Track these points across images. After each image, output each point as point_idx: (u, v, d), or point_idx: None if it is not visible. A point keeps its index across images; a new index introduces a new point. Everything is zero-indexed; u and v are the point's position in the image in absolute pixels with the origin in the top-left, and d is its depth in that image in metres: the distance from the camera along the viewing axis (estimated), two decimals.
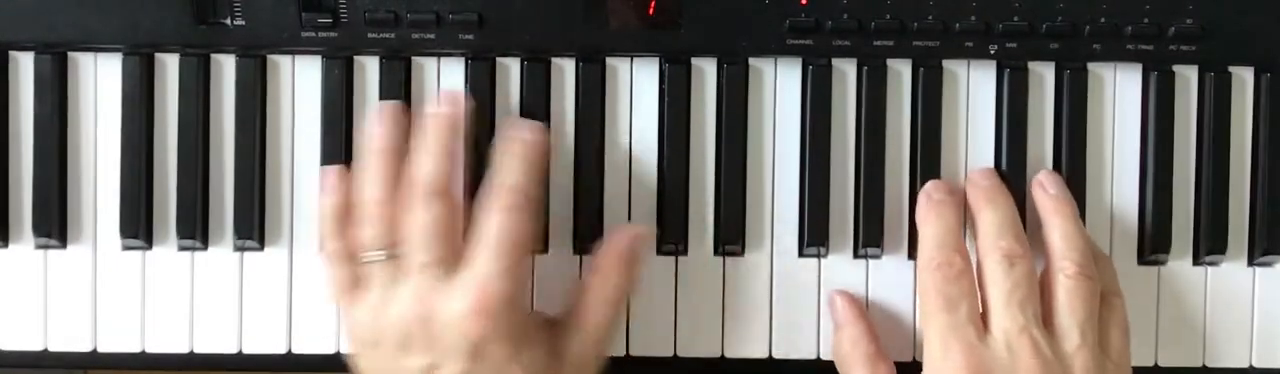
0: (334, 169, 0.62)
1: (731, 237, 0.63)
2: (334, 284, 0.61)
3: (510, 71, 0.64)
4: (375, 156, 0.60)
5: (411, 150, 0.60)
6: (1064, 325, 0.59)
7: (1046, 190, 0.62)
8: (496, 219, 0.58)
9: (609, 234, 0.62)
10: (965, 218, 0.62)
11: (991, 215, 0.61)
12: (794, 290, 0.64)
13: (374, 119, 0.61)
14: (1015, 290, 0.59)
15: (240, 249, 0.64)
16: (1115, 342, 0.60)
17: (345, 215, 0.61)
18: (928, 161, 0.63)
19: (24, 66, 0.63)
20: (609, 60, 0.64)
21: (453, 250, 0.58)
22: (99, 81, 0.63)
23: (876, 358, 0.61)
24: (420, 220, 0.58)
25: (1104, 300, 0.61)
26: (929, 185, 0.62)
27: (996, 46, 0.63)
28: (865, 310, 0.63)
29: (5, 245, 0.64)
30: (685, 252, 0.64)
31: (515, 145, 0.60)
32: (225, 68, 0.63)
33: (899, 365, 0.62)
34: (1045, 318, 0.59)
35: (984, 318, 0.59)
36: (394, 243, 0.59)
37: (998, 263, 0.59)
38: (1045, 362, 0.57)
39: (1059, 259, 0.60)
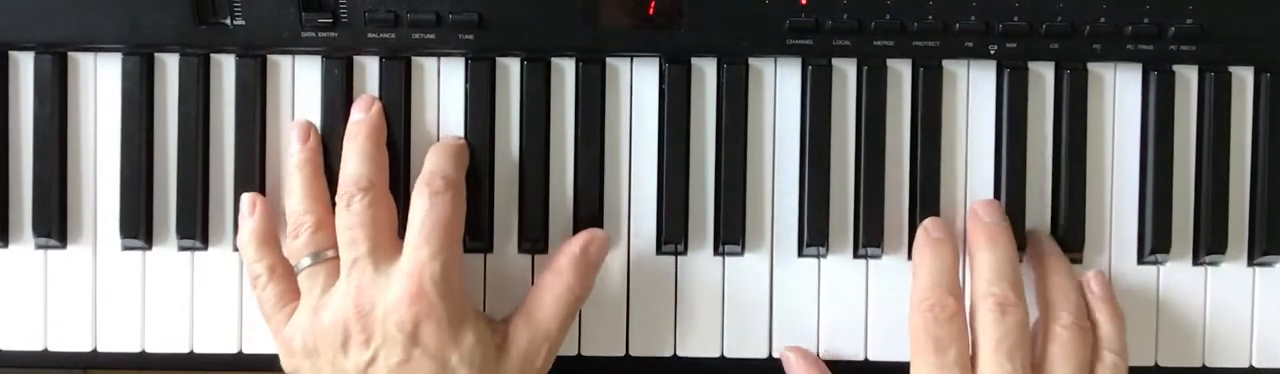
0: (251, 195, 0.62)
1: (731, 237, 0.63)
2: (264, 304, 0.61)
3: (510, 71, 0.64)
4: (297, 171, 0.62)
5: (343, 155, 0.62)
6: None
7: (1042, 244, 0.63)
8: (423, 203, 0.59)
9: (571, 236, 0.62)
10: (962, 255, 0.62)
11: (990, 257, 0.61)
12: (794, 290, 0.64)
13: (293, 137, 0.62)
14: (1005, 339, 0.59)
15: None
16: None
17: (267, 238, 0.61)
18: (928, 161, 0.63)
19: (24, 66, 0.63)
20: (609, 60, 0.64)
21: (384, 243, 0.59)
22: (99, 81, 0.63)
23: None
24: (348, 217, 0.59)
25: (1104, 359, 0.61)
26: (928, 223, 0.62)
27: (996, 46, 0.63)
28: (820, 361, 0.63)
29: (5, 245, 0.64)
30: (685, 252, 0.64)
31: (441, 141, 0.62)
32: (225, 68, 0.63)
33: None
34: (1035, 364, 0.60)
35: (973, 360, 0.59)
36: (323, 248, 0.60)
37: (990, 310, 0.59)
38: None
39: (1055, 309, 0.61)
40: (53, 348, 0.64)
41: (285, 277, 0.61)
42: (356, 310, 0.57)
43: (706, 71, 0.64)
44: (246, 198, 0.62)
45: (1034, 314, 0.62)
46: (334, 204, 0.61)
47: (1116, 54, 0.63)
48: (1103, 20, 0.62)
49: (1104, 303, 0.62)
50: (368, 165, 0.61)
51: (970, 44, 0.63)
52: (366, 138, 0.61)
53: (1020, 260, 0.63)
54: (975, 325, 0.60)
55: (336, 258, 0.60)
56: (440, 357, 0.57)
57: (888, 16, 0.62)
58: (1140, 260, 0.64)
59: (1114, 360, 0.60)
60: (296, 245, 0.60)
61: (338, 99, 0.63)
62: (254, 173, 0.63)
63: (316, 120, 0.63)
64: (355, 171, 0.61)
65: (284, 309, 0.60)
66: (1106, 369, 0.60)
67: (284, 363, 0.60)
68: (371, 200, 0.60)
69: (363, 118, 0.62)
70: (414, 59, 0.64)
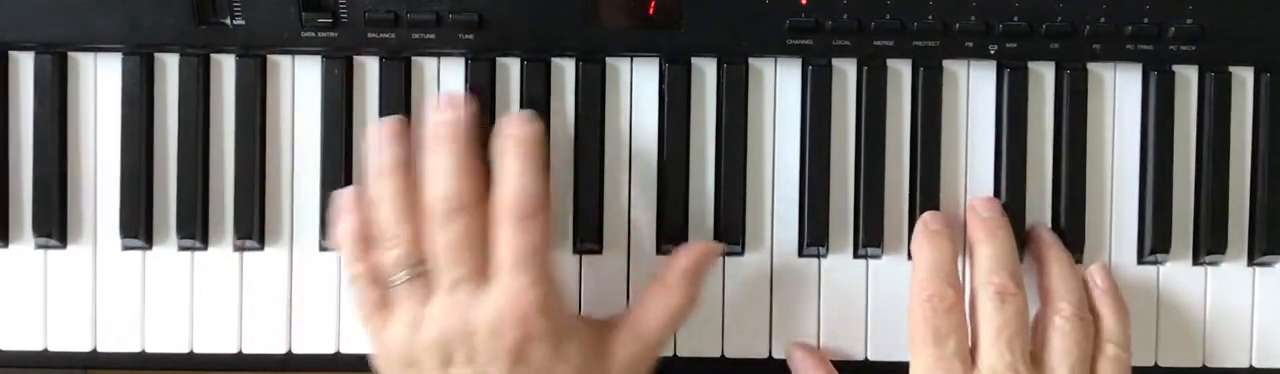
0: (345, 192, 0.61)
1: (731, 237, 0.63)
2: (361, 307, 0.60)
3: (510, 71, 0.64)
4: (384, 176, 0.59)
5: (424, 163, 0.59)
6: (1054, 367, 0.59)
7: (1043, 237, 0.63)
8: (512, 230, 0.57)
9: (681, 247, 0.62)
10: (961, 248, 0.62)
11: (989, 249, 0.61)
12: (794, 290, 0.64)
13: (374, 137, 0.60)
14: (1005, 328, 0.59)
15: (240, 249, 0.64)
16: None
17: (365, 237, 0.59)
18: (928, 161, 0.63)
19: (24, 66, 0.63)
20: (609, 60, 0.64)
21: (480, 264, 0.58)
22: (99, 81, 0.63)
23: None
24: (443, 238, 0.58)
25: (1106, 351, 0.61)
26: (926, 216, 0.62)
27: (996, 46, 0.63)
28: (825, 358, 0.63)
29: (5, 245, 0.64)
30: None
31: (510, 144, 0.59)
32: (225, 68, 0.63)
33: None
34: (1036, 356, 0.60)
35: (973, 352, 0.59)
36: (419, 261, 0.58)
37: (990, 299, 0.60)
38: None
39: (1056, 300, 0.61)
40: (53, 348, 0.64)
41: (382, 282, 0.59)
42: (459, 330, 0.57)
43: (706, 71, 0.64)
44: (344, 194, 0.60)
45: (1035, 307, 0.62)
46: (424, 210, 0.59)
47: (1116, 54, 0.63)
48: (1103, 20, 0.62)
49: (1108, 296, 0.62)
50: (461, 180, 0.58)
51: (970, 44, 0.63)
52: (456, 142, 0.59)
53: (1021, 256, 0.63)
54: (975, 315, 0.60)
55: (428, 272, 0.59)
56: (546, 368, 0.57)
57: (888, 16, 0.62)
58: (1140, 260, 0.64)
59: (1116, 353, 0.60)
60: (392, 258, 0.58)
61: (338, 99, 0.63)
62: (254, 173, 0.63)
63: (316, 120, 0.63)
64: (450, 186, 0.58)
65: (379, 315, 0.59)
66: (1108, 361, 0.60)
67: (379, 368, 0.60)
68: (469, 220, 0.58)
69: (450, 118, 0.59)
70: (414, 59, 0.64)
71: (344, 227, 0.60)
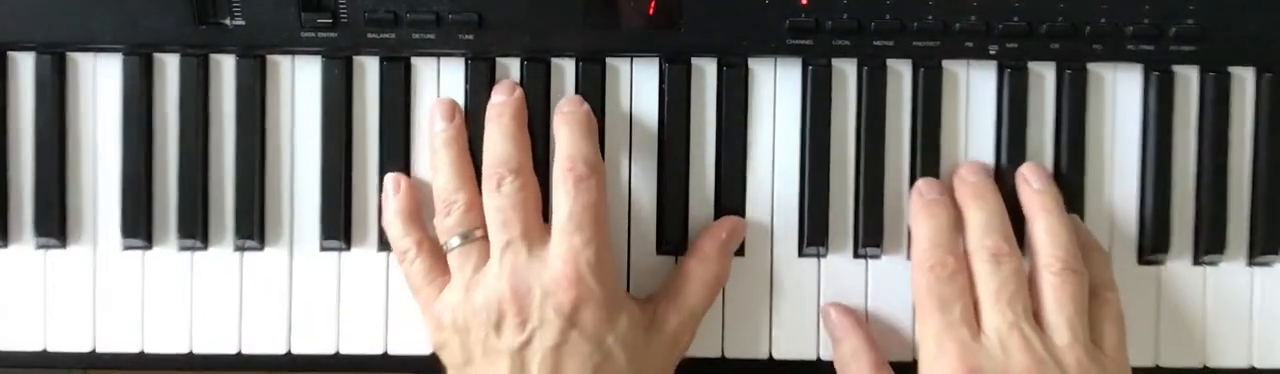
0: (395, 174, 0.63)
1: None
2: (412, 279, 0.61)
3: (510, 71, 0.64)
4: (444, 149, 0.62)
5: (485, 137, 0.62)
6: (1053, 322, 0.59)
7: (1031, 185, 0.63)
8: (569, 190, 0.59)
9: (715, 222, 0.63)
10: (958, 216, 0.62)
11: (978, 213, 0.61)
12: (794, 290, 0.64)
13: (437, 115, 0.63)
14: (1003, 288, 0.59)
15: (240, 249, 0.64)
16: (1109, 336, 0.60)
17: (412, 215, 0.62)
18: (928, 162, 0.63)
19: (24, 66, 0.63)
20: (609, 60, 0.64)
21: (535, 226, 0.60)
22: (99, 81, 0.63)
23: (878, 367, 0.61)
24: (499, 199, 0.60)
25: (1096, 294, 0.61)
26: (921, 184, 0.63)
27: (996, 46, 0.63)
28: (862, 320, 0.63)
29: (5, 245, 0.64)
30: (685, 251, 0.64)
31: (566, 117, 0.62)
32: (225, 68, 0.63)
33: (899, 365, 0.62)
34: (1036, 315, 0.60)
35: (976, 315, 0.60)
36: (474, 227, 0.60)
37: (985, 262, 0.60)
38: (1037, 358, 0.58)
39: (1043, 255, 0.61)
40: (52, 348, 0.64)
41: (432, 252, 0.61)
42: (512, 292, 0.58)
43: (706, 71, 0.64)
44: (390, 177, 0.63)
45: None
46: (480, 183, 0.61)
47: (1116, 54, 0.63)
48: (1103, 20, 0.62)
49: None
50: (514, 147, 0.61)
51: (970, 44, 0.63)
52: (511, 118, 0.62)
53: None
54: (974, 280, 0.60)
55: (485, 237, 0.60)
56: (597, 338, 0.58)
57: (888, 16, 0.62)
58: (1140, 260, 0.64)
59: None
60: (448, 224, 0.61)
61: (338, 99, 0.63)
62: (254, 173, 0.63)
63: (316, 120, 0.63)
64: (503, 153, 0.61)
65: (432, 284, 0.61)
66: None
67: (432, 337, 0.61)
68: (522, 183, 0.60)
69: (505, 100, 0.62)
70: (414, 59, 0.64)
71: (392, 205, 0.62)
